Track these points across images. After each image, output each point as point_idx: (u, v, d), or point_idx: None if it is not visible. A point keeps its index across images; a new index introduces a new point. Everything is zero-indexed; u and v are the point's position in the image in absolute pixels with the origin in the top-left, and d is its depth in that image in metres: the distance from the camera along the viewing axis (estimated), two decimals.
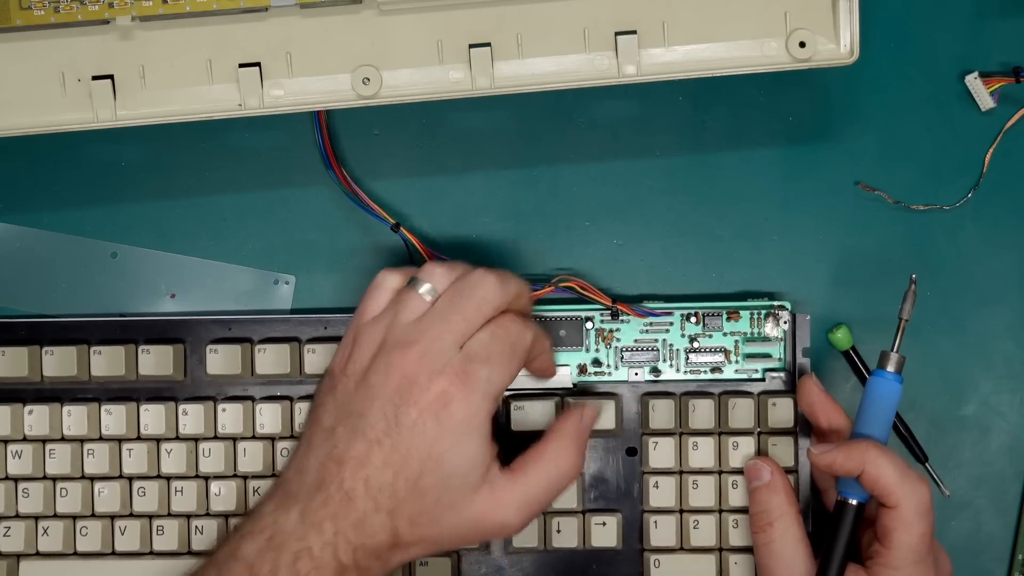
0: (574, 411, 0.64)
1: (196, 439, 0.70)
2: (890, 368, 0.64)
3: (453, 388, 0.60)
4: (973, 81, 0.71)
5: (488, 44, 0.65)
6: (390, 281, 0.64)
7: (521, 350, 0.62)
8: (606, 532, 0.69)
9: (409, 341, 0.61)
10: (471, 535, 0.62)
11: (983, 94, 0.71)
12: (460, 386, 0.60)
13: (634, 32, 0.65)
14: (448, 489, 0.60)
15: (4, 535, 0.70)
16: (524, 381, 0.69)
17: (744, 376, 0.70)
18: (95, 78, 0.65)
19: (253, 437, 0.70)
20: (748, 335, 0.70)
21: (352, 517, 0.59)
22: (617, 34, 0.65)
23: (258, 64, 0.66)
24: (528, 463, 0.62)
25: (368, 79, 0.66)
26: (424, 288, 0.62)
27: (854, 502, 0.64)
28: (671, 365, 0.70)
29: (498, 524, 0.62)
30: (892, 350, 0.64)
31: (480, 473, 0.61)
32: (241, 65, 0.66)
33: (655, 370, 0.70)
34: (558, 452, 0.63)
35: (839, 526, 0.64)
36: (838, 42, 0.65)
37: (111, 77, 0.66)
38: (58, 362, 0.70)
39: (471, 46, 0.65)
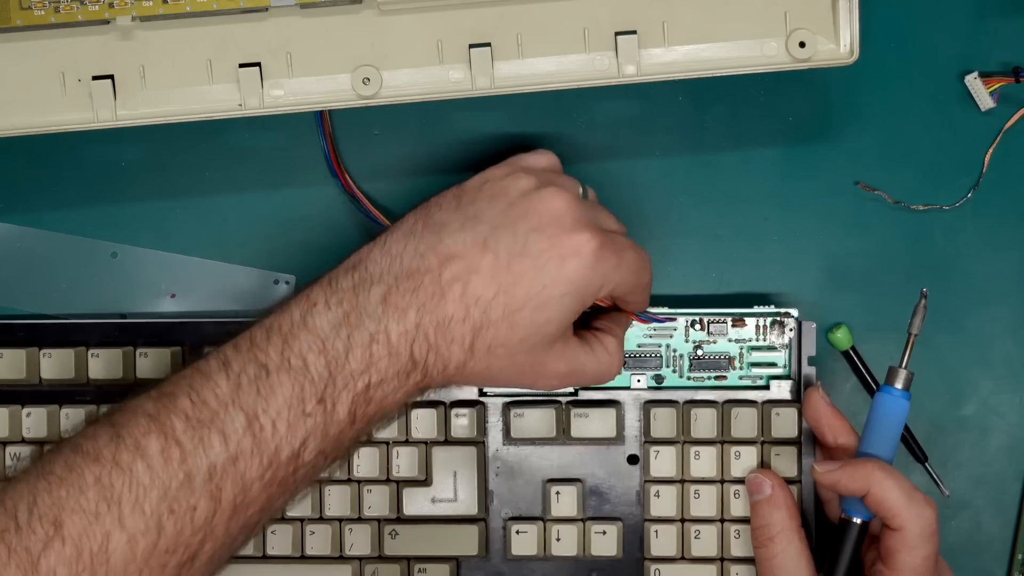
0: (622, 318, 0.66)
1: None
2: (898, 385, 0.63)
3: (590, 247, 0.58)
4: (973, 81, 0.71)
5: (488, 44, 0.65)
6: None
7: (645, 275, 0.63)
8: (606, 541, 0.69)
9: (570, 190, 0.60)
10: (523, 378, 0.60)
11: (983, 94, 0.71)
12: (597, 249, 0.58)
13: (634, 32, 0.65)
14: (537, 334, 0.58)
15: None
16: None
17: (748, 383, 0.70)
18: (95, 78, 0.65)
19: None
20: (753, 343, 0.70)
21: (439, 315, 0.56)
22: (617, 34, 0.65)
23: (258, 64, 0.66)
24: (591, 341, 0.63)
25: (368, 79, 0.65)
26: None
27: (858, 521, 0.63)
28: (674, 371, 0.70)
29: (550, 374, 0.60)
30: (900, 366, 0.63)
31: (564, 330, 0.60)
32: (241, 65, 0.65)
33: (658, 377, 0.70)
34: (616, 349, 0.64)
35: (842, 544, 0.63)
36: (838, 42, 0.65)
37: (111, 77, 0.65)
38: (56, 364, 0.70)
39: (471, 46, 0.65)
